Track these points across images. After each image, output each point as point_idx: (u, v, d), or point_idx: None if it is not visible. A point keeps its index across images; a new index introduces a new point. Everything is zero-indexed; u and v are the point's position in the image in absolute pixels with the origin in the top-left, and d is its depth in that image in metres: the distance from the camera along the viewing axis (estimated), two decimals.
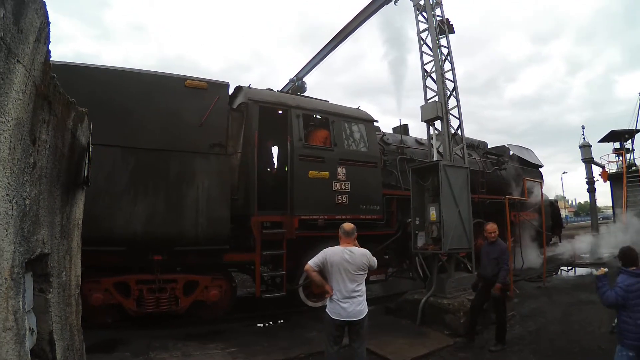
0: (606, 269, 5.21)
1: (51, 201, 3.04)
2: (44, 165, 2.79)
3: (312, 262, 5.39)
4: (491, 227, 8.01)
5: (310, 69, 17.13)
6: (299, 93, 15.13)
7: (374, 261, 5.55)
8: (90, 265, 5.94)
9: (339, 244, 5.59)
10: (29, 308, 2.82)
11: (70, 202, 3.64)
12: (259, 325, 9.35)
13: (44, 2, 2.54)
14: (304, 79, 17.12)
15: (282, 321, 9.63)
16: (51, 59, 2.82)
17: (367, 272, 5.50)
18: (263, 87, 10.50)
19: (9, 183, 2.21)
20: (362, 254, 5.44)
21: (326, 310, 5.42)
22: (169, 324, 8.33)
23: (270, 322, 9.59)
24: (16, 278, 2.36)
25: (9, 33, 2.10)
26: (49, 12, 2.63)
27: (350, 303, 5.22)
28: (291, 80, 17.17)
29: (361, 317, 5.27)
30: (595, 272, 5.24)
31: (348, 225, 5.64)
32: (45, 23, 2.61)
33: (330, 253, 5.40)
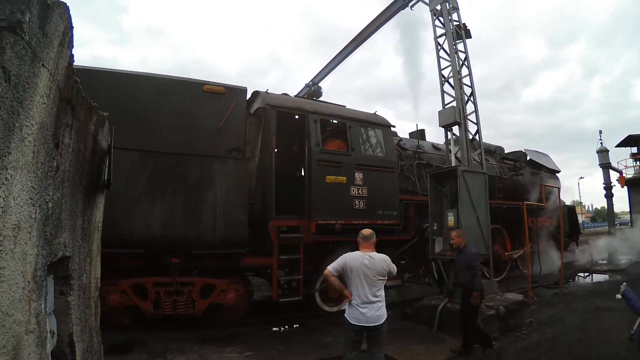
0: (625, 283, 5.15)
1: (73, 204, 3.06)
2: (66, 169, 2.81)
3: (331, 267, 5.38)
4: (452, 233, 7.97)
5: (325, 74, 17.15)
6: (314, 98, 15.15)
7: (394, 267, 5.52)
8: (111, 267, 5.97)
9: (356, 250, 5.57)
10: (50, 310, 2.84)
11: (91, 205, 3.67)
12: (274, 329, 9.35)
13: (68, 6, 2.55)
14: (319, 84, 17.13)
15: (297, 325, 9.62)
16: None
17: (386, 278, 5.47)
18: (279, 91, 10.53)
19: (32, 187, 2.22)
20: (381, 260, 5.41)
21: (345, 315, 5.40)
22: (185, 327, 8.34)
23: (286, 327, 9.57)
24: (39, 281, 2.37)
25: (34, 37, 2.11)
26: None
27: (369, 308, 5.19)
28: (307, 85, 17.20)
29: (380, 323, 5.24)
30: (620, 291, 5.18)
31: (366, 231, 5.63)
32: (69, 27, 2.62)
33: (350, 258, 5.38)
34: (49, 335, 2.67)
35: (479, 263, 7.48)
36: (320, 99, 15.03)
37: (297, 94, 16.84)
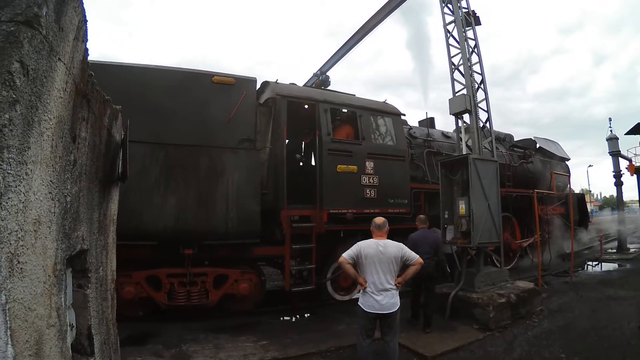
0: None
1: (90, 198, 3.07)
2: (83, 163, 2.82)
3: (346, 255, 5.39)
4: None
5: (333, 63, 17.09)
6: (323, 87, 15.10)
7: (410, 254, 5.48)
8: (124, 258, 6.00)
9: (368, 238, 5.61)
10: (69, 304, 2.86)
11: (106, 198, 3.68)
12: (287, 318, 9.41)
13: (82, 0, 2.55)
14: (327, 73, 17.07)
15: (309, 314, 9.67)
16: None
17: (401, 264, 5.46)
18: (286, 81, 10.50)
19: (51, 181, 2.23)
20: (396, 246, 5.44)
21: (359, 303, 5.43)
22: (199, 317, 8.41)
23: (298, 316, 9.63)
24: (59, 275, 2.39)
25: (51, 31, 2.11)
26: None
27: (384, 296, 5.22)
28: (315, 75, 17.13)
29: (394, 310, 5.27)
30: None
31: (379, 219, 5.66)
32: (83, 21, 2.62)
33: (364, 246, 5.41)
34: (68, 328, 2.69)
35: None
36: (328, 88, 14.98)
37: (305, 83, 16.80)
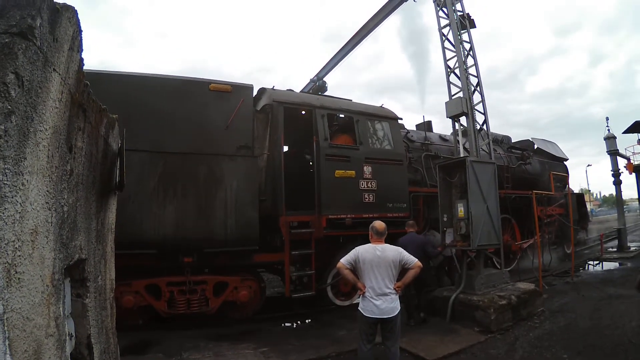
0: None
1: (87, 207, 3.07)
2: (80, 172, 2.82)
3: (344, 260, 5.39)
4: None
5: (330, 68, 17.08)
6: (320, 93, 15.10)
7: (409, 258, 5.47)
8: (124, 267, 5.98)
9: (367, 243, 5.59)
10: (67, 313, 2.86)
11: (104, 207, 3.69)
12: (287, 324, 9.39)
13: (76, 10, 2.56)
14: (324, 79, 17.06)
15: (310, 320, 9.63)
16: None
17: (399, 268, 5.45)
18: (284, 87, 10.50)
19: (48, 191, 2.23)
20: (394, 251, 5.43)
21: (359, 308, 5.42)
22: (200, 325, 8.39)
23: (299, 322, 9.60)
24: (57, 284, 2.39)
25: (45, 42, 2.12)
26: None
27: (383, 300, 5.20)
28: (312, 80, 17.12)
29: (394, 315, 5.25)
30: None
31: (380, 225, 5.60)
32: (78, 31, 2.64)
33: (362, 250, 5.40)
34: (67, 338, 2.69)
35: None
36: (325, 93, 14.98)
37: (302, 89, 16.80)
